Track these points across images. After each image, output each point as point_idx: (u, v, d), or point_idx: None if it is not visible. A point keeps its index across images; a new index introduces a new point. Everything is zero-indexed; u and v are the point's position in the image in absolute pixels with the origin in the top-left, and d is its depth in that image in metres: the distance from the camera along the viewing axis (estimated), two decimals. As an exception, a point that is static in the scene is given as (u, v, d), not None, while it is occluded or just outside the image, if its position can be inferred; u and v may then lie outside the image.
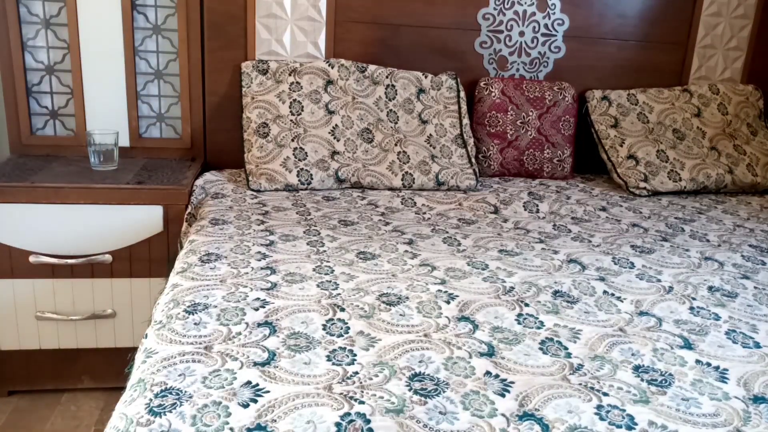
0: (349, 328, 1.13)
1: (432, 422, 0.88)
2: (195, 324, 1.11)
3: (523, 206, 1.96)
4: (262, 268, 1.36)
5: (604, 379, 1.02)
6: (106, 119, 2.15)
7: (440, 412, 0.90)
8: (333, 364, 1.02)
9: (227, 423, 0.85)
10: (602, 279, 1.43)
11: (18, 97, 2.10)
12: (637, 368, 1.06)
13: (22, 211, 1.81)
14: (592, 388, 0.99)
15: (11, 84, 2.09)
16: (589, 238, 1.72)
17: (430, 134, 2.18)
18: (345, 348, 1.07)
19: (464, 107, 2.27)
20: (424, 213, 1.87)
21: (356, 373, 0.99)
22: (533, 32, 2.40)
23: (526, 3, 2.36)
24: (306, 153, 2.02)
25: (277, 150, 2.01)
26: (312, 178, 2.00)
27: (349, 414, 0.88)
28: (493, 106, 2.28)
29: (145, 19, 2.13)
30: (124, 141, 2.18)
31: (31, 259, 1.83)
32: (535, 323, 1.19)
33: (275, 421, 0.86)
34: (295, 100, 2.08)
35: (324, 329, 1.12)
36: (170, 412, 0.87)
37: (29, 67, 2.11)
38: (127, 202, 1.85)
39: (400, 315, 1.19)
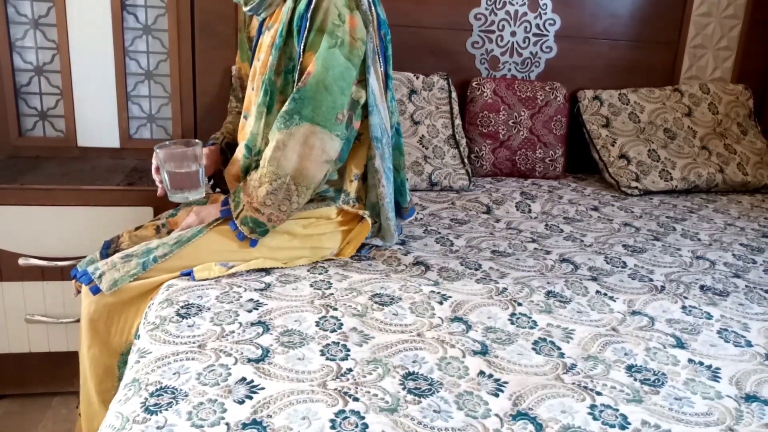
0: (342, 324, 1.13)
1: (426, 420, 0.88)
2: (189, 327, 1.10)
3: (516, 206, 1.96)
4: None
5: (598, 379, 1.02)
6: (96, 120, 2.14)
7: (434, 411, 0.90)
8: (327, 359, 1.01)
9: (223, 418, 0.85)
10: (594, 279, 1.43)
11: (6, 98, 2.08)
12: (630, 368, 1.06)
13: (11, 213, 1.79)
14: (585, 388, 0.99)
15: (-1, 85, 2.07)
16: (581, 238, 1.72)
17: (423, 135, 2.17)
18: (338, 343, 1.07)
19: (456, 108, 2.26)
20: (417, 213, 1.86)
21: (350, 370, 0.99)
22: (525, 32, 2.41)
23: (517, 3, 2.36)
24: (298, 153, 2.00)
25: (269, 150, 2.00)
26: (304, 179, 1.99)
27: (343, 411, 0.88)
28: (485, 106, 2.28)
29: (135, 19, 2.12)
30: (115, 142, 2.16)
31: (21, 261, 1.81)
32: (528, 323, 1.19)
33: (270, 416, 0.86)
34: (286, 100, 2.07)
35: (317, 325, 1.12)
36: (166, 410, 0.87)
37: (18, 68, 2.09)
38: (118, 204, 1.84)
39: (393, 314, 1.18)
